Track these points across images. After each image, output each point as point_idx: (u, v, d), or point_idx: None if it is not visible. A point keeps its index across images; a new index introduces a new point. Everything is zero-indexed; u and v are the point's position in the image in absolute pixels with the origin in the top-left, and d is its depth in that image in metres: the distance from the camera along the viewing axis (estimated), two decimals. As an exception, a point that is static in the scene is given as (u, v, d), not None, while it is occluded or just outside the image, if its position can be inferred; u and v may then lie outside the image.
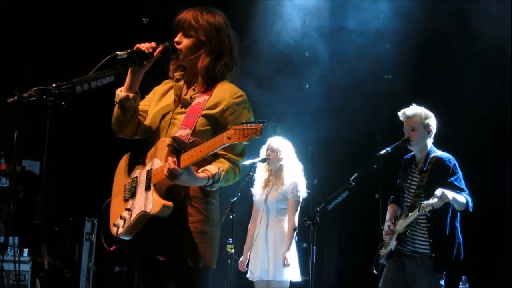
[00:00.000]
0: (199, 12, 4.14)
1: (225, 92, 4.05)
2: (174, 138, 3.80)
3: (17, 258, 8.54)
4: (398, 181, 6.95)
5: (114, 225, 4.05)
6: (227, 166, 3.94)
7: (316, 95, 9.77)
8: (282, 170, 7.78)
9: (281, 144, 7.86)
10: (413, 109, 6.65)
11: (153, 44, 4.00)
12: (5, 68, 9.41)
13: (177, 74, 4.27)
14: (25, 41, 9.62)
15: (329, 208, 6.97)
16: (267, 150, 7.83)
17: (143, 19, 10.33)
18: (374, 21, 9.69)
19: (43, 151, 3.70)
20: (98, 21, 10.04)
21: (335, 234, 9.28)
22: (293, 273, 7.53)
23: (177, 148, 3.76)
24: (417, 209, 6.29)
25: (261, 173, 7.96)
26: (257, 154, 7.83)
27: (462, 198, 6.27)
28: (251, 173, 7.88)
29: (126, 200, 4.10)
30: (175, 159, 3.76)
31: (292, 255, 7.53)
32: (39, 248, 8.37)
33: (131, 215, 3.97)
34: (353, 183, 6.81)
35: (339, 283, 9.04)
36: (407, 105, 8.27)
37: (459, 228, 6.47)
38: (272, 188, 7.75)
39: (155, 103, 4.31)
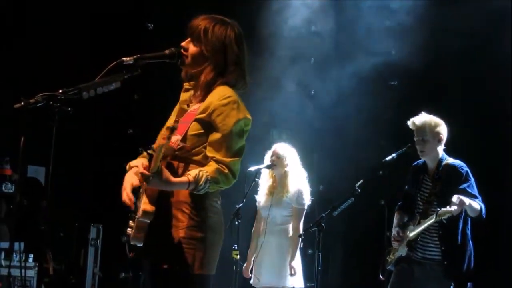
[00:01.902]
0: (212, 24, 4.12)
1: (214, 96, 4.03)
2: (153, 144, 3.84)
3: (22, 264, 8.55)
4: (406, 187, 6.94)
5: (128, 233, 4.05)
6: (213, 168, 3.88)
7: (321, 101, 9.77)
8: (287, 177, 7.75)
9: (286, 151, 7.84)
10: (422, 119, 6.62)
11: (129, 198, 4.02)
12: (12, 74, 9.43)
13: (186, 84, 4.29)
14: (31, 47, 9.63)
15: (334, 214, 6.97)
16: (272, 156, 7.81)
17: (149, 24, 10.33)
18: (379, 27, 9.69)
19: (49, 156, 3.71)
20: (104, 27, 10.05)
21: (340, 241, 9.27)
22: (297, 280, 7.52)
23: (148, 152, 3.80)
24: (433, 216, 6.28)
25: (265, 180, 7.93)
26: (262, 160, 7.83)
27: (477, 204, 6.28)
28: (257, 179, 7.87)
29: (136, 207, 4.09)
30: (147, 164, 3.83)
31: (297, 263, 7.52)
32: (44, 254, 8.38)
33: (133, 222, 3.99)
34: (359, 190, 6.80)
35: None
36: (412, 111, 8.27)
37: (470, 236, 6.48)
38: (277, 195, 7.73)
39: (174, 112, 4.35)
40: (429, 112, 6.80)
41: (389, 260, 6.75)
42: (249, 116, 4.07)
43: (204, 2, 8.49)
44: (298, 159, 7.90)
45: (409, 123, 6.69)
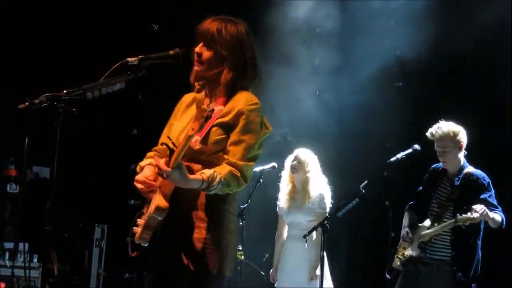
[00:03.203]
0: (223, 24, 4.11)
1: (240, 100, 4.03)
2: (168, 137, 3.89)
3: (27, 264, 8.55)
4: (421, 188, 6.95)
5: (134, 231, 4.04)
6: (227, 170, 3.86)
7: (326, 102, 9.76)
8: (308, 183, 7.74)
9: (308, 156, 7.84)
10: (441, 130, 6.58)
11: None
12: (15, 74, 9.44)
13: (197, 84, 4.26)
14: (34, 47, 9.64)
15: (339, 215, 6.96)
16: (293, 160, 7.82)
17: (154, 25, 10.33)
18: (385, 28, 9.68)
19: (53, 157, 3.71)
20: (109, 27, 10.05)
21: (344, 241, 9.26)
22: (325, 281, 7.50)
23: (170, 147, 3.80)
24: (451, 221, 6.30)
25: (284, 184, 7.93)
26: (266, 161, 7.83)
27: (498, 216, 6.33)
28: (261, 180, 7.88)
29: (146, 207, 4.09)
30: (167, 159, 3.78)
31: (324, 264, 7.50)
32: (49, 254, 8.38)
33: (143, 220, 3.97)
34: (363, 190, 6.80)
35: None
36: (417, 113, 8.29)
37: (480, 245, 6.49)
38: (298, 200, 7.73)
39: (180, 113, 4.33)
40: (435, 114, 6.80)
41: (397, 259, 6.75)
42: (270, 128, 4.11)
43: (208, 2, 8.52)
44: (318, 165, 7.90)
45: (428, 134, 6.66)
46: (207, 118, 3.63)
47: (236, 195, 4.11)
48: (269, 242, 8.34)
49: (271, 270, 7.94)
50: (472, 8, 8.81)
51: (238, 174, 3.90)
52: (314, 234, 7.49)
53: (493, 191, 6.48)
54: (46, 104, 3.61)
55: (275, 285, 7.82)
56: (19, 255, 8.62)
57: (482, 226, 6.48)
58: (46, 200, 9.26)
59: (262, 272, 8.50)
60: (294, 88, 9.60)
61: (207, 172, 3.81)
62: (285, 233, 7.87)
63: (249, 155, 3.97)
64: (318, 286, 7.16)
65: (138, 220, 4.02)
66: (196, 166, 3.94)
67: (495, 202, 6.41)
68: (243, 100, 4.03)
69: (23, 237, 8.89)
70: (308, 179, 7.75)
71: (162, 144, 4.08)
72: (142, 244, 3.96)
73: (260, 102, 4.06)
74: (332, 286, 7.69)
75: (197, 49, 4.10)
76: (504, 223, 6.37)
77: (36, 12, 9.86)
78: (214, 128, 3.96)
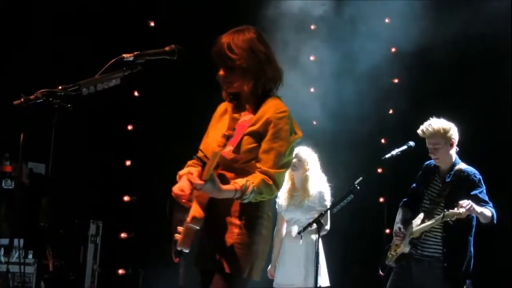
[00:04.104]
0: (231, 37, 4.22)
1: (269, 108, 4.18)
2: (200, 150, 4.01)
3: (22, 260, 8.55)
4: (414, 185, 6.97)
5: (176, 238, 4.17)
6: (259, 179, 4.00)
7: (321, 99, 9.77)
8: (308, 181, 7.73)
9: (308, 155, 7.84)
10: (432, 127, 6.60)
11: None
12: (12, 71, 9.42)
13: (227, 96, 4.41)
14: (30, 44, 9.63)
15: (334, 211, 6.99)
16: (293, 158, 7.80)
17: (150, 22, 10.33)
18: (381, 23, 9.70)
19: (49, 153, 3.72)
20: (104, 23, 10.04)
21: (339, 237, 9.26)
22: (323, 278, 7.51)
23: (202, 160, 3.92)
24: (439, 216, 6.32)
25: (284, 181, 7.92)
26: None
27: (488, 211, 6.32)
28: None
29: (185, 215, 4.21)
30: (200, 171, 3.94)
31: (321, 261, 7.51)
32: (44, 251, 8.37)
33: (182, 228, 4.11)
34: (358, 187, 6.82)
35: (343, 286, 9.03)
36: (412, 108, 8.30)
37: (472, 242, 6.52)
38: (297, 198, 7.73)
39: (215, 122, 4.45)
40: (430, 111, 6.82)
41: (390, 256, 6.77)
42: (300, 134, 4.29)
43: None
44: (318, 163, 7.89)
45: (419, 132, 6.68)
46: (229, 137, 3.78)
47: (270, 201, 4.26)
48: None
49: (269, 266, 7.93)
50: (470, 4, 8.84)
51: (271, 182, 4.05)
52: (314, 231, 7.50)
53: (484, 187, 6.49)
54: (41, 100, 3.61)
55: (274, 282, 7.82)
56: (14, 251, 8.62)
57: (473, 223, 6.49)
58: (42, 197, 9.26)
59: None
60: (288, 84, 9.60)
61: (240, 181, 3.96)
62: (284, 230, 7.87)
63: (280, 162, 4.12)
64: (313, 283, 7.18)
65: (179, 227, 4.15)
66: (230, 175, 4.08)
67: (486, 198, 6.43)
68: (272, 108, 4.18)
69: (18, 233, 8.88)
70: (308, 177, 7.75)
71: (194, 157, 4.15)
72: (184, 250, 4.09)
73: (288, 110, 4.22)
74: (328, 283, 7.70)
75: (220, 74, 4.24)
76: (495, 218, 6.37)
77: (31, 8, 9.85)
78: (245, 137, 4.11)
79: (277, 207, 7.90)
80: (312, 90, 10.07)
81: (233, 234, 4.10)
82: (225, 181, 4.01)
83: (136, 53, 3.96)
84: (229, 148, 4.02)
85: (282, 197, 7.84)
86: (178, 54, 4.10)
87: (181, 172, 4.33)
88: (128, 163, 10.20)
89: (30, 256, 8.91)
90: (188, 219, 4.01)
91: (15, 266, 8.56)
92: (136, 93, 10.29)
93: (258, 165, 4.07)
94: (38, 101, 3.61)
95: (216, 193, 3.92)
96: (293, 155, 7.68)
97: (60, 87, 3.68)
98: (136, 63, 3.96)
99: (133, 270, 10.06)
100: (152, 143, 10.18)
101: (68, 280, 9.75)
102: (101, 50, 8.54)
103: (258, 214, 4.18)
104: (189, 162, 4.41)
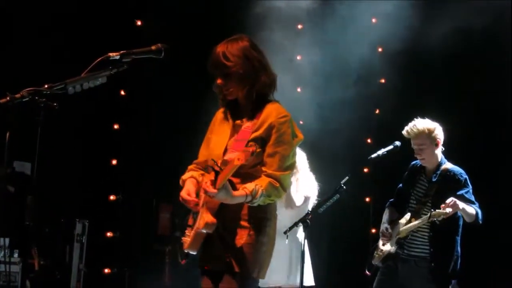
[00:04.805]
0: (225, 47, 4.35)
1: (271, 112, 4.33)
2: (213, 160, 4.11)
3: (7, 259, 8.52)
4: (401, 185, 6.98)
5: (183, 241, 4.39)
6: (267, 182, 4.17)
7: (307, 98, 9.77)
8: (296, 181, 7.73)
9: (299, 156, 7.81)
10: (417, 127, 6.61)
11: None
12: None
13: (224, 104, 4.54)
14: (16, 42, 9.59)
15: (320, 211, 6.98)
16: None
17: (136, 21, 10.31)
18: (367, 25, 9.70)
19: (34, 152, 3.71)
20: (91, 22, 10.01)
21: (326, 237, 9.28)
22: (307, 278, 7.50)
23: (214, 169, 4.05)
24: (426, 216, 6.33)
25: None
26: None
27: (472, 209, 6.34)
28: None
29: (193, 218, 4.42)
30: (212, 179, 4.05)
31: (306, 261, 7.50)
32: (29, 249, 8.35)
33: (191, 232, 4.32)
34: (344, 187, 6.82)
35: (329, 285, 9.04)
36: (398, 108, 8.30)
37: (459, 241, 6.54)
38: (286, 198, 7.70)
39: (216, 128, 4.58)
40: (416, 111, 6.83)
41: (376, 256, 6.78)
42: (301, 136, 4.46)
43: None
44: (307, 163, 7.87)
45: (404, 132, 6.69)
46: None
47: (275, 203, 4.44)
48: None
49: None
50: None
51: (277, 184, 4.22)
52: (300, 230, 7.49)
53: (470, 187, 6.51)
54: (27, 99, 3.61)
55: (259, 284, 7.80)
56: (-1, 250, 8.59)
57: (460, 223, 6.52)
58: (27, 195, 9.22)
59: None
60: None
61: (250, 186, 4.13)
62: None
63: (285, 165, 4.28)
64: (298, 282, 7.17)
65: (187, 231, 4.39)
66: (236, 180, 4.22)
67: (472, 198, 6.45)
68: (274, 113, 4.34)
69: (3, 232, 8.85)
70: (297, 180, 7.74)
71: (206, 166, 4.36)
72: (192, 253, 4.34)
73: (289, 114, 4.39)
74: (313, 283, 7.70)
75: (218, 83, 4.37)
76: (480, 217, 6.39)
77: (17, 7, 9.81)
78: (250, 143, 4.20)
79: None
80: (299, 90, 10.07)
81: (243, 236, 4.26)
82: (232, 186, 4.14)
83: (122, 52, 3.97)
84: (234, 155, 4.06)
85: None
86: (164, 53, 4.11)
87: (184, 177, 4.50)
88: (114, 162, 10.19)
89: (16, 255, 8.88)
90: (201, 224, 4.17)
91: (0, 265, 8.53)
92: (122, 92, 10.27)
93: (263, 168, 4.24)
94: (24, 99, 3.60)
95: (229, 200, 4.09)
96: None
97: (46, 86, 3.68)
98: (122, 62, 3.96)
99: (119, 269, 10.05)
100: (138, 142, 10.17)
101: (54, 279, 9.72)
102: (88, 49, 8.51)
103: (266, 216, 4.36)
104: (190, 167, 4.59)
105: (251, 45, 4.42)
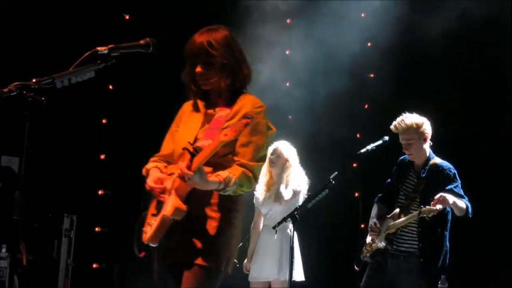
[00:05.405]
0: (209, 35, 4.29)
1: (247, 102, 4.27)
2: (189, 143, 4.04)
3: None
4: (389, 180, 6.99)
5: (143, 231, 4.18)
6: (240, 172, 4.06)
7: (296, 93, 9.76)
8: (287, 176, 7.73)
9: (289, 151, 7.81)
10: (405, 122, 6.62)
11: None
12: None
13: (196, 94, 4.46)
14: (3, 37, 9.55)
15: (308, 206, 6.98)
16: (272, 154, 7.76)
17: (125, 15, 10.29)
18: (355, 20, 9.70)
19: (22, 146, 3.69)
20: (79, 16, 9.97)
21: (314, 232, 9.27)
22: (297, 273, 7.51)
23: (191, 151, 3.95)
24: (416, 212, 6.33)
25: (262, 174, 7.89)
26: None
27: (462, 203, 6.35)
28: None
29: (156, 208, 4.22)
30: (188, 162, 3.93)
31: (296, 256, 7.50)
32: (17, 245, 8.32)
33: (155, 220, 4.11)
34: (333, 182, 6.82)
35: (318, 280, 9.05)
36: (388, 103, 8.30)
37: (448, 236, 6.55)
38: (275, 192, 7.70)
39: (183, 121, 4.49)
40: (405, 105, 6.84)
41: (365, 251, 6.78)
42: (274, 129, 4.38)
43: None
44: (297, 158, 7.87)
45: (392, 127, 6.70)
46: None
47: (245, 197, 4.33)
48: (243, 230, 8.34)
49: (245, 260, 7.93)
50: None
51: (250, 174, 4.12)
52: (290, 225, 7.49)
53: (459, 181, 6.52)
54: (15, 93, 3.59)
55: (249, 276, 7.81)
56: (-13, 246, 8.56)
57: (449, 217, 6.53)
58: (15, 190, 9.19)
59: (235, 260, 8.47)
60: (264, 79, 9.59)
61: (223, 174, 4.01)
62: (261, 224, 7.87)
63: (258, 156, 4.21)
64: (288, 277, 7.17)
65: (148, 220, 4.17)
66: (207, 169, 4.06)
67: (461, 192, 6.46)
68: (249, 103, 4.27)
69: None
70: (289, 175, 7.74)
71: (183, 148, 4.13)
72: (152, 245, 4.11)
73: (264, 105, 4.32)
74: (302, 278, 7.71)
75: (198, 70, 4.28)
76: (470, 211, 6.41)
77: (4, 2, 9.78)
78: (224, 131, 4.05)
79: (254, 201, 7.89)
80: (287, 84, 10.06)
81: (212, 227, 4.13)
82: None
83: (110, 46, 3.96)
84: (209, 142, 4.03)
85: (259, 191, 7.84)
86: (153, 48, 4.10)
87: (148, 166, 4.38)
88: (102, 157, 10.16)
89: (4, 250, 8.85)
90: (169, 210, 4.00)
91: (-12, 260, 8.51)
92: (110, 87, 10.24)
93: (236, 158, 4.14)
94: (11, 94, 3.59)
95: (202, 185, 3.95)
96: (271, 151, 7.71)
97: (34, 80, 3.66)
98: (111, 56, 3.95)
99: (107, 264, 10.02)
100: (127, 137, 10.14)
101: (42, 274, 9.70)
102: (76, 43, 8.47)
103: (235, 207, 4.24)
104: (152, 159, 4.47)
105: (232, 36, 4.39)
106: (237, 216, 4.27)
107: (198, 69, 4.27)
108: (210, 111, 4.36)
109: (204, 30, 4.33)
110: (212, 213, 4.16)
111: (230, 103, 4.31)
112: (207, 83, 4.31)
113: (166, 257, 4.23)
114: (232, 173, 4.02)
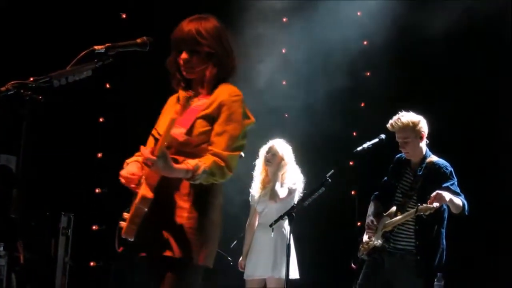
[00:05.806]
0: (199, 24, 4.21)
1: (223, 91, 4.16)
2: (155, 129, 3.98)
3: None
4: (386, 178, 7.00)
5: (121, 226, 4.09)
6: (211, 160, 3.94)
7: (293, 91, 9.77)
8: (283, 175, 7.75)
9: (285, 149, 7.83)
10: (401, 120, 6.63)
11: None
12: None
13: (179, 84, 4.38)
14: (1, 35, 9.57)
15: (305, 204, 6.99)
16: (267, 152, 7.78)
17: (122, 14, 10.29)
18: (351, 18, 9.71)
19: (20, 145, 3.70)
20: (76, 15, 9.98)
21: (311, 230, 9.29)
22: (292, 271, 7.51)
23: (156, 137, 3.93)
24: (413, 210, 6.34)
25: (258, 172, 7.92)
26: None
27: (459, 201, 6.35)
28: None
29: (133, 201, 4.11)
30: (152, 148, 3.87)
31: (291, 254, 7.51)
32: (15, 243, 8.33)
33: (130, 213, 4.01)
34: (329, 179, 6.83)
35: (315, 278, 9.06)
36: (383, 101, 8.31)
37: (444, 234, 6.56)
38: (271, 191, 7.71)
39: (167, 112, 4.38)
40: (402, 104, 6.85)
41: (362, 249, 6.79)
42: (253, 119, 4.22)
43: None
44: (293, 156, 7.89)
45: (388, 126, 6.71)
46: (189, 99, 3.84)
47: (221, 188, 4.19)
48: (238, 228, 8.36)
49: (240, 258, 7.95)
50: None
51: (223, 164, 3.98)
52: (285, 224, 7.51)
53: (455, 179, 6.53)
54: (12, 92, 3.60)
55: (244, 273, 7.83)
56: (-16, 244, 8.58)
57: (445, 215, 6.54)
58: (12, 189, 9.20)
59: (229, 258, 8.49)
60: (260, 77, 9.61)
61: (192, 161, 3.89)
62: (256, 222, 7.88)
63: (234, 145, 4.07)
64: (283, 275, 7.18)
65: (125, 213, 4.09)
66: (181, 159, 3.99)
67: (457, 190, 6.46)
68: (226, 92, 4.15)
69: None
70: (285, 173, 7.76)
71: (150, 135, 4.15)
72: (129, 239, 3.98)
73: (242, 94, 4.18)
74: (297, 275, 7.72)
75: (183, 57, 4.21)
76: (466, 209, 6.41)
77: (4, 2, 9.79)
78: (198, 120, 4.07)
79: (250, 198, 7.91)
80: (284, 83, 10.07)
81: (183, 217, 4.01)
82: (177, 163, 3.93)
83: (107, 45, 3.96)
84: (181, 130, 4.00)
85: (255, 189, 7.86)
86: (149, 46, 4.11)
87: (128, 160, 4.31)
88: (99, 155, 10.16)
89: (1, 248, 8.86)
90: (137, 199, 3.91)
91: (-15, 258, 8.52)
92: (107, 85, 10.25)
93: (210, 147, 4.02)
94: (9, 92, 3.59)
95: (168, 171, 3.84)
96: (267, 149, 7.73)
97: (31, 79, 3.66)
98: (108, 55, 3.95)
99: (104, 262, 10.03)
100: (123, 135, 10.14)
101: (39, 272, 9.71)
102: (73, 42, 8.48)
103: (209, 199, 4.10)
104: (137, 153, 4.35)
105: (222, 26, 4.30)
106: (210, 207, 4.11)
107: (184, 55, 4.20)
108: (190, 101, 4.21)
109: (193, 18, 4.26)
110: (182, 203, 4.04)
111: (210, 93, 4.22)
112: (192, 71, 4.23)
113: (138, 251, 4.15)
114: (202, 161, 3.90)
